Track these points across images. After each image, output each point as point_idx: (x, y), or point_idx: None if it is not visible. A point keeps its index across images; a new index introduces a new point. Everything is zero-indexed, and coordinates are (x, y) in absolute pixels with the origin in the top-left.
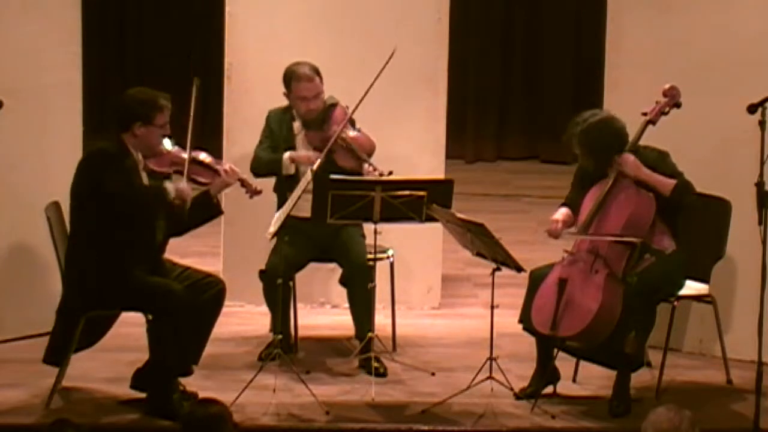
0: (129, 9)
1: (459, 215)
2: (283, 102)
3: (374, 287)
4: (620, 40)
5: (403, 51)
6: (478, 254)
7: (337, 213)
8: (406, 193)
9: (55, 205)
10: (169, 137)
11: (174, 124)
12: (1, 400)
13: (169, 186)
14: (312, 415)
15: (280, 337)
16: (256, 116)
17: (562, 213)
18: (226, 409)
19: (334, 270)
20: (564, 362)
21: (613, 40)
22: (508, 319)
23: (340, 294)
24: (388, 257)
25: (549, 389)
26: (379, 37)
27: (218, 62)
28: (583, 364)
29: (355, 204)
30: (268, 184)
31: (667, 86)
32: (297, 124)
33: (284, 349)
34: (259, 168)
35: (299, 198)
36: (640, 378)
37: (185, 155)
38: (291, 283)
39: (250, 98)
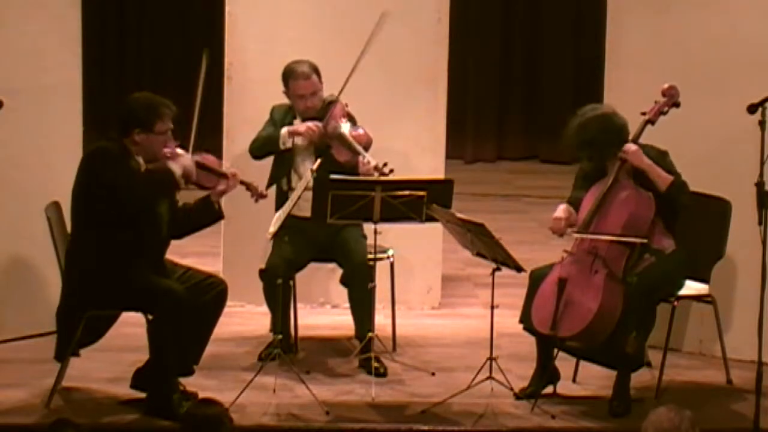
0: (129, 9)
1: (459, 215)
2: (285, 100)
3: (374, 287)
4: (620, 40)
5: (403, 51)
6: (478, 254)
7: (337, 213)
8: (406, 193)
9: (55, 205)
10: (181, 146)
11: (176, 123)
12: (1, 400)
13: (174, 166)
14: (312, 415)
15: (280, 337)
16: (256, 116)
17: (564, 210)
18: (225, 410)
19: (334, 270)
20: (564, 362)
21: (613, 40)
22: (508, 319)
23: (340, 294)
24: (388, 257)
25: (549, 389)
26: (379, 37)
27: (218, 62)
28: (583, 364)
29: (355, 204)
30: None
31: (666, 86)
32: (297, 122)
33: (284, 349)
34: (257, 146)
35: (299, 198)
36: (640, 378)
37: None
38: (291, 283)
39: (250, 98)
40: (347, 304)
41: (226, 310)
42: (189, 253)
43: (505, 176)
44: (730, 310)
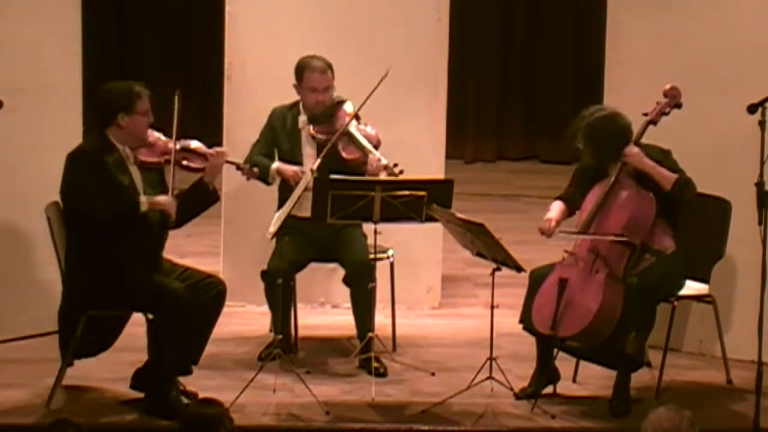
0: (129, 9)
1: (459, 215)
2: (285, 100)
3: (374, 287)
4: (620, 40)
5: (403, 51)
6: (478, 254)
7: (337, 213)
8: (406, 193)
9: (55, 205)
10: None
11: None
12: (1, 400)
13: (142, 198)
14: (312, 415)
15: (280, 337)
16: (256, 116)
17: (555, 210)
18: (225, 410)
19: (334, 270)
20: (564, 362)
21: (613, 40)
22: (508, 319)
23: (341, 294)
24: (388, 257)
25: (549, 389)
26: (379, 37)
27: (218, 62)
28: (583, 364)
29: (355, 204)
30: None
31: (667, 87)
32: (303, 118)
33: (284, 349)
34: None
35: (299, 198)
36: (640, 378)
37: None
38: (292, 283)
39: (250, 98)
40: (347, 304)
41: (226, 310)
42: (189, 253)
43: (505, 176)
44: (730, 310)
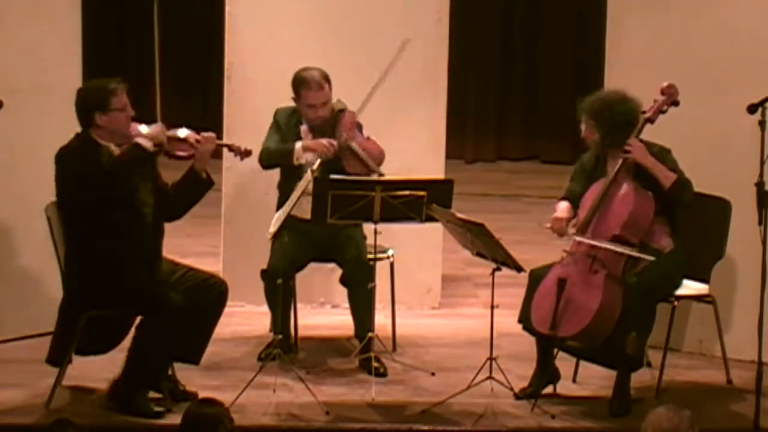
0: (129, 9)
1: (459, 215)
2: (285, 100)
3: (374, 287)
4: (620, 40)
5: (404, 51)
6: (478, 254)
7: (337, 213)
8: (406, 193)
9: (55, 205)
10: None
11: (179, 120)
12: (1, 400)
13: (140, 140)
14: (312, 415)
15: (280, 337)
16: (256, 116)
17: (564, 210)
18: (225, 410)
19: (334, 270)
20: (564, 362)
21: (613, 40)
22: (508, 319)
23: (341, 294)
24: (388, 257)
25: (549, 389)
26: (379, 37)
27: (218, 62)
28: (583, 364)
29: (355, 204)
30: (272, 177)
31: (664, 84)
32: (304, 128)
33: (284, 349)
34: (268, 157)
35: (299, 198)
36: (640, 378)
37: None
38: (291, 283)
39: (250, 98)
40: (347, 304)
41: (226, 310)
42: (189, 253)
43: (505, 176)
44: (730, 310)
